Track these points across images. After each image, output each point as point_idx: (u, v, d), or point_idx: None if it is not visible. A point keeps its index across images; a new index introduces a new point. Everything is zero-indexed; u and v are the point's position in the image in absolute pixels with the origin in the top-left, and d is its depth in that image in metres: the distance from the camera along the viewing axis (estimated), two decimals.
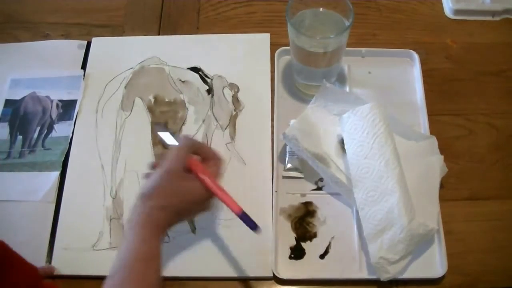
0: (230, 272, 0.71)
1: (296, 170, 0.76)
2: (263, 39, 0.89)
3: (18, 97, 0.86)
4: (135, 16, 0.94)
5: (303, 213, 0.74)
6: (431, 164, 0.73)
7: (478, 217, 0.74)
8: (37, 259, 0.71)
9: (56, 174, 0.78)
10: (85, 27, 0.93)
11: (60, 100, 0.85)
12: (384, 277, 0.67)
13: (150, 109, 0.83)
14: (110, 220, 0.75)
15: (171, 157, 0.62)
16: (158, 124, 0.73)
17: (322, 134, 0.77)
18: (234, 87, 0.85)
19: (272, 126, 0.80)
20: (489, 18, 0.91)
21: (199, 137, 0.80)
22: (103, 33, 0.92)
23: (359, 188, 0.69)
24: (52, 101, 0.85)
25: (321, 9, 0.76)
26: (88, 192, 0.77)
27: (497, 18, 0.91)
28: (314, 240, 0.72)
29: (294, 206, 0.75)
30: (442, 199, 0.72)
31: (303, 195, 0.75)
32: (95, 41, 0.90)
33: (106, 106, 0.84)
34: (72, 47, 0.90)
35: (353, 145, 0.71)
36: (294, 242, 0.72)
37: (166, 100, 0.84)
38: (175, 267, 0.71)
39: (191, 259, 0.71)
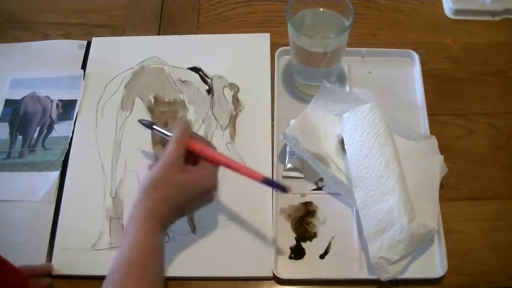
0: (230, 272, 0.71)
1: (296, 170, 0.76)
2: (263, 39, 0.89)
3: (18, 97, 0.86)
4: (135, 16, 0.94)
5: (303, 213, 0.74)
6: (431, 164, 0.73)
7: (478, 217, 0.74)
8: (37, 259, 0.72)
9: (56, 174, 0.78)
10: (85, 27, 0.93)
11: (60, 100, 0.85)
12: (384, 277, 0.67)
13: (150, 109, 0.83)
14: (110, 220, 0.75)
15: (170, 148, 0.61)
16: (143, 120, 0.71)
17: (322, 134, 0.77)
18: (234, 87, 0.85)
19: (272, 126, 0.80)
20: (489, 18, 0.91)
21: None
22: (103, 33, 0.92)
23: (359, 188, 0.69)
24: (52, 101, 0.85)
25: (321, 9, 0.76)
26: (88, 192, 0.77)
27: (497, 18, 0.91)
28: (314, 240, 0.72)
29: (294, 206, 0.75)
30: (442, 199, 0.72)
31: (303, 195, 0.75)
32: (95, 41, 0.90)
33: (106, 106, 0.84)
34: (72, 47, 0.90)
35: (353, 145, 0.71)
36: (294, 242, 0.72)
37: (166, 100, 0.84)
38: (175, 267, 0.71)
39: (191, 259, 0.71)
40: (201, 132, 0.81)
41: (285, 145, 0.78)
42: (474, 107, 0.83)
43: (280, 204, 0.75)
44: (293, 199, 0.75)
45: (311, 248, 0.71)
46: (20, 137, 0.83)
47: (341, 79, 0.84)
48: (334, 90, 0.78)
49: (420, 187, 0.71)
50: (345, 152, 0.73)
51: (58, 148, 0.81)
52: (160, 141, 0.80)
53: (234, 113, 0.83)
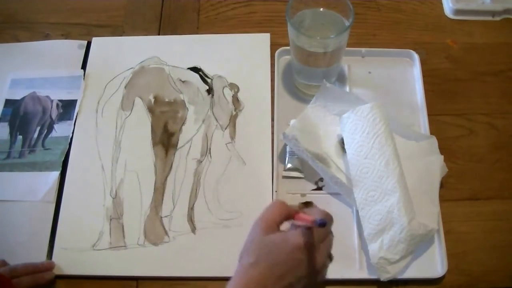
0: (230, 272, 0.70)
1: (296, 170, 0.76)
2: (263, 39, 0.89)
3: (18, 97, 0.86)
4: (135, 16, 0.94)
5: None
6: (431, 164, 0.73)
7: (478, 217, 0.74)
8: (37, 259, 0.71)
9: (56, 174, 0.78)
10: (85, 27, 0.93)
11: (60, 100, 0.85)
12: (384, 277, 0.67)
13: (150, 109, 0.83)
14: (110, 220, 0.75)
15: (266, 211, 0.55)
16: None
17: (322, 134, 0.77)
18: (234, 87, 0.85)
19: (272, 126, 0.80)
20: (489, 18, 0.91)
21: (199, 137, 0.80)
22: (103, 33, 0.92)
23: (359, 188, 0.69)
24: (52, 101, 0.85)
25: (321, 9, 0.76)
26: (88, 192, 0.77)
27: (497, 18, 0.91)
28: None
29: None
30: (442, 199, 0.72)
31: (303, 195, 0.75)
32: (95, 41, 0.90)
33: (106, 106, 0.84)
34: (72, 47, 0.90)
35: (353, 145, 0.71)
36: None
37: (166, 100, 0.84)
38: (175, 267, 0.71)
39: (191, 259, 0.71)
40: (201, 132, 0.81)
41: (285, 145, 0.78)
42: (474, 107, 0.83)
43: None
44: (293, 199, 0.75)
45: None
46: (20, 137, 0.83)
47: (341, 79, 0.84)
48: (334, 90, 0.78)
49: (420, 187, 0.71)
50: (345, 152, 0.73)
51: (58, 148, 0.81)
52: (160, 141, 0.80)
53: (234, 113, 0.83)
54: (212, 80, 0.86)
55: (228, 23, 0.92)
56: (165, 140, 0.80)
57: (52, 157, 0.80)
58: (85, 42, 0.90)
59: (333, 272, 0.69)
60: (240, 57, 0.88)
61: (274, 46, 0.87)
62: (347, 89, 0.83)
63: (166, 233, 0.73)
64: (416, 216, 0.67)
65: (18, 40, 0.92)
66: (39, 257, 0.72)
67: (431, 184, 0.72)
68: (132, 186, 0.77)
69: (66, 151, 0.80)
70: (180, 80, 0.86)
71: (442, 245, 0.70)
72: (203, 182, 0.77)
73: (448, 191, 0.75)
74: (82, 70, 0.87)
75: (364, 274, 0.69)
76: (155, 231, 0.74)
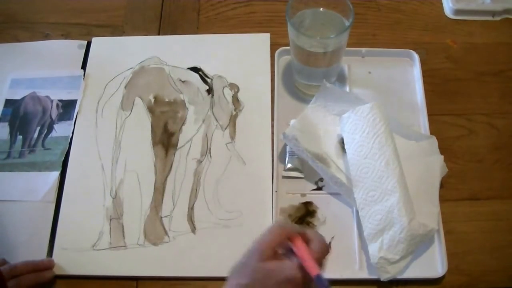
0: None
1: (296, 170, 0.76)
2: (263, 39, 0.89)
3: (18, 97, 0.86)
4: (135, 16, 0.94)
5: (303, 213, 0.74)
6: (431, 164, 0.73)
7: (478, 217, 0.74)
8: (37, 258, 0.71)
9: (56, 174, 0.78)
10: (85, 27, 0.93)
11: (60, 100, 0.85)
12: (384, 277, 0.67)
13: (150, 109, 0.83)
14: (110, 220, 0.75)
15: (264, 234, 0.55)
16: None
17: (322, 134, 0.77)
18: (234, 87, 0.85)
19: (272, 126, 0.80)
20: (489, 18, 0.91)
21: (199, 137, 0.80)
22: (103, 33, 0.92)
23: (359, 188, 0.69)
24: (52, 101, 0.85)
25: (321, 9, 0.76)
26: (88, 192, 0.77)
27: (497, 18, 0.91)
28: None
29: (294, 206, 0.75)
30: (442, 199, 0.72)
31: (303, 195, 0.75)
32: (95, 41, 0.90)
33: (106, 106, 0.84)
34: (72, 47, 0.90)
35: (353, 145, 0.71)
36: None
37: (166, 100, 0.84)
38: (175, 267, 0.71)
39: (191, 259, 0.71)
40: (201, 132, 0.81)
41: (285, 145, 0.78)
42: (474, 107, 0.83)
43: (280, 204, 0.74)
44: (293, 199, 0.75)
45: None
46: (20, 137, 0.83)
47: (341, 79, 0.84)
48: (334, 90, 0.78)
49: (420, 187, 0.71)
50: (345, 152, 0.73)
51: (58, 148, 0.81)
52: (160, 141, 0.80)
53: (234, 113, 0.83)
54: (212, 80, 0.86)
55: (228, 23, 0.92)
56: (165, 140, 0.80)
57: (52, 157, 0.80)
58: (85, 42, 0.90)
59: (333, 272, 0.69)
60: (240, 57, 0.88)
61: (274, 46, 0.87)
62: (347, 89, 0.83)
63: (166, 233, 0.73)
64: (416, 216, 0.67)
65: (18, 40, 0.92)
66: (39, 257, 0.72)
67: (431, 184, 0.72)
68: (132, 186, 0.77)
69: (66, 151, 0.80)
70: (180, 80, 0.86)
71: (442, 245, 0.70)
72: (203, 182, 0.77)
73: (448, 191, 0.75)
74: (82, 70, 0.87)
75: (364, 274, 0.69)
76: (155, 231, 0.74)
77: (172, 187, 0.77)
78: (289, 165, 0.76)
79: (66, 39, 0.91)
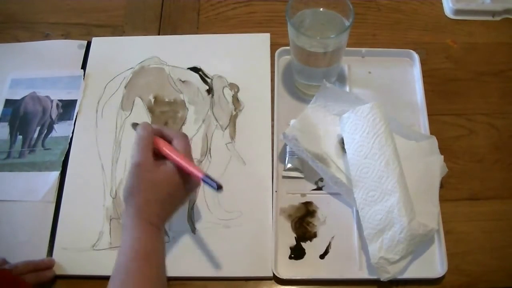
0: (230, 272, 0.71)
1: (296, 170, 0.76)
2: (263, 39, 0.89)
3: (18, 97, 0.86)
4: (135, 16, 0.94)
5: (303, 213, 0.74)
6: (431, 164, 0.73)
7: (478, 217, 0.74)
8: (37, 258, 0.71)
9: (56, 174, 0.78)
10: (85, 27, 0.93)
11: (60, 100, 0.85)
12: (384, 277, 0.67)
13: (150, 109, 0.83)
14: (110, 220, 0.75)
15: (135, 151, 0.62)
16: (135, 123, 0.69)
17: (322, 134, 0.77)
18: (234, 87, 0.85)
19: (272, 126, 0.80)
20: (489, 18, 0.91)
21: (199, 137, 0.81)
22: (103, 33, 0.92)
23: (359, 188, 0.69)
24: (52, 101, 0.85)
25: (321, 9, 0.76)
26: (88, 192, 0.77)
27: (497, 18, 0.91)
28: (314, 240, 0.72)
29: (294, 206, 0.75)
30: (442, 199, 0.72)
31: (303, 195, 0.75)
32: (95, 41, 0.90)
33: (106, 106, 0.84)
34: (72, 47, 0.90)
35: (353, 145, 0.71)
36: (294, 242, 0.72)
37: (166, 100, 0.84)
38: (175, 267, 0.71)
39: (191, 259, 0.71)
40: (201, 132, 0.81)
41: (285, 145, 0.78)
42: (474, 107, 0.83)
43: (280, 204, 0.74)
44: (293, 199, 0.75)
45: (311, 248, 0.71)
46: (20, 137, 0.83)
47: (341, 79, 0.84)
48: (334, 90, 0.78)
49: (420, 187, 0.71)
50: (345, 152, 0.73)
51: (58, 148, 0.81)
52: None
53: (234, 113, 0.83)
54: (212, 80, 0.86)
55: (228, 23, 0.92)
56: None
57: (52, 157, 0.80)
58: (85, 42, 0.90)
59: (333, 272, 0.70)
60: (240, 57, 0.88)
61: (274, 46, 0.87)
62: (347, 89, 0.83)
63: (166, 233, 0.73)
64: (416, 216, 0.67)
65: (18, 40, 0.92)
66: (39, 257, 0.72)
67: (431, 184, 0.72)
68: None
69: (66, 151, 0.80)
70: (180, 80, 0.86)
71: (442, 245, 0.70)
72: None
73: (448, 191, 0.75)
74: (82, 70, 0.87)
75: (364, 274, 0.69)
76: None
77: None
78: (289, 165, 0.76)
79: (66, 39, 0.91)
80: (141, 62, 0.88)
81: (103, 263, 0.71)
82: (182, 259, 0.71)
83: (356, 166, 0.70)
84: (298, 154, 0.76)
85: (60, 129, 0.83)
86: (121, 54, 0.89)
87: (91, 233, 0.74)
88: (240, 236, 0.72)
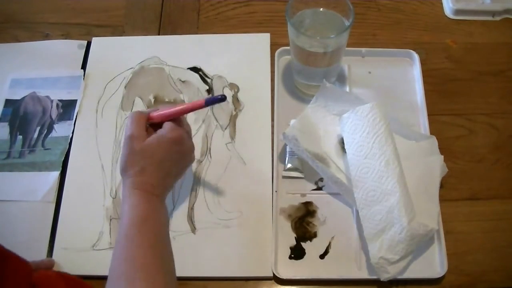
0: (230, 272, 0.71)
1: (296, 170, 0.76)
2: (263, 39, 0.89)
3: (18, 97, 0.86)
4: (135, 16, 0.94)
5: (303, 213, 0.74)
6: (431, 164, 0.73)
7: (478, 217, 0.74)
8: (37, 259, 0.71)
9: (56, 174, 0.78)
10: (85, 27, 0.93)
11: (60, 100, 0.85)
12: (384, 277, 0.67)
13: None
14: (110, 220, 0.75)
15: (127, 125, 0.64)
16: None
17: (322, 134, 0.77)
18: (234, 87, 0.85)
19: (272, 126, 0.80)
20: (489, 18, 0.91)
21: (199, 137, 0.81)
22: (103, 33, 0.92)
23: (359, 188, 0.69)
24: (52, 101, 0.85)
25: (321, 9, 0.76)
26: (88, 192, 0.77)
27: (497, 18, 0.91)
28: (314, 240, 0.72)
29: (294, 206, 0.75)
30: (442, 199, 0.72)
31: (303, 195, 0.75)
32: (95, 41, 0.90)
33: (106, 106, 0.84)
34: (72, 47, 0.90)
35: (353, 145, 0.71)
36: (294, 242, 0.72)
37: (166, 100, 0.84)
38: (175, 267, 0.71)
39: (191, 259, 0.71)
40: (201, 132, 0.81)
41: (285, 145, 0.78)
42: (474, 107, 0.83)
43: (280, 204, 0.74)
44: (293, 199, 0.75)
45: (311, 248, 0.71)
46: (20, 137, 0.83)
47: (341, 79, 0.84)
48: (334, 90, 0.78)
49: (420, 187, 0.71)
50: (345, 152, 0.73)
51: (58, 148, 0.81)
52: None
53: (234, 113, 0.83)
54: (212, 80, 0.86)
55: (228, 23, 0.92)
56: None
57: (52, 157, 0.80)
58: (85, 42, 0.90)
59: (333, 272, 0.70)
60: (240, 57, 0.88)
61: (274, 46, 0.87)
62: (347, 89, 0.83)
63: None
64: (416, 216, 0.67)
65: (18, 40, 0.92)
66: (39, 257, 0.72)
67: (431, 184, 0.72)
68: None
69: (66, 151, 0.80)
70: (180, 80, 0.86)
71: (442, 245, 0.70)
72: (203, 182, 0.77)
73: (448, 191, 0.75)
74: (82, 70, 0.87)
75: (364, 274, 0.69)
76: None
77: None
78: (289, 165, 0.76)
79: (66, 39, 0.91)
80: (141, 62, 0.88)
81: (103, 263, 0.71)
82: (182, 259, 0.71)
83: (356, 166, 0.70)
84: (298, 154, 0.76)
85: (60, 129, 0.83)
86: (121, 54, 0.89)
87: (91, 233, 0.74)
88: (240, 236, 0.72)
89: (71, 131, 0.82)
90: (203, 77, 0.86)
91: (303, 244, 0.72)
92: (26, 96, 0.86)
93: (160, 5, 0.95)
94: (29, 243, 0.73)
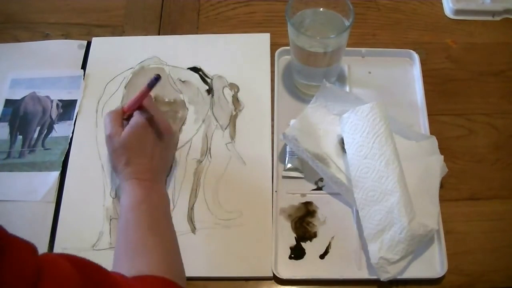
0: (230, 272, 0.71)
1: (296, 170, 0.76)
2: (263, 39, 0.89)
3: (18, 97, 0.86)
4: (135, 16, 0.94)
5: (303, 213, 0.74)
6: (431, 164, 0.73)
7: (478, 217, 0.74)
8: None
9: (56, 174, 0.78)
10: (85, 27, 0.93)
11: (60, 100, 0.85)
12: (384, 277, 0.67)
13: None
14: (110, 220, 0.75)
15: (105, 126, 0.70)
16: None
17: (322, 134, 0.77)
18: (234, 87, 0.85)
19: (272, 126, 0.80)
20: (489, 18, 0.91)
21: (199, 137, 0.81)
22: (103, 33, 0.92)
23: (359, 188, 0.69)
24: (52, 101, 0.85)
25: (321, 9, 0.76)
26: (88, 192, 0.77)
27: (497, 18, 0.91)
28: (314, 240, 0.72)
29: (294, 206, 0.75)
30: (442, 199, 0.72)
31: (303, 195, 0.75)
32: (95, 41, 0.90)
33: (106, 106, 0.84)
34: (72, 47, 0.90)
35: (353, 145, 0.71)
36: (294, 242, 0.72)
37: (166, 100, 0.84)
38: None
39: (191, 259, 0.71)
40: (201, 132, 0.81)
41: (285, 145, 0.78)
42: (474, 107, 0.83)
43: (280, 204, 0.74)
44: (293, 199, 0.75)
45: (311, 248, 0.71)
46: (20, 137, 0.83)
47: (341, 79, 0.84)
48: (334, 90, 0.78)
49: (420, 187, 0.71)
50: (345, 152, 0.73)
51: (58, 148, 0.81)
52: None
53: (234, 113, 0.83)
54: (212, 80, 0.86)
55: (228, 23, 0.92)
56: None
57: (52, 157, 0.80)
58: (85, 42, 0.90)
59: (333, 272, 0.70)
60: (240, 57, 0.88)
61: (274, 46, 0.87)
62: (347, 89, 0.83)
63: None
64: (416, 216, 0.67)
65: (18, 40, 0.92)
66: None
67: (431, 184, 0.72)
68: None
69: (66, 151, 0.80)
70: (180, 80, 0.86)
71: (442, 245, 0.70)
72: (203, 182, 0.77)
73: (448, 191, 0.75)
74: (82, 70, 0.87)
75: (364, 274, 0.69)
76: None
77: (172, 187, 0.77)
78: (289, 165, 0.76)
79: (66, 39, 0.91)
80: (141, 62, 0.88)
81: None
82: (182, 259, 0.71)
83: (356, 166, 0.70)
84: (298, 154, 0.76)
85: (60, 129, 0.83)
86: (121, 54, 0.89)
87: (91, 233, 0.74)
88: (240, 236, 0.72)
89: (71, 131, 0.82)
90: (203, 77, 0.86)
91: (303, 244, 0.72)
92: (26, 96, 0.86)
93: (160, 5, 0.95)
94: None
